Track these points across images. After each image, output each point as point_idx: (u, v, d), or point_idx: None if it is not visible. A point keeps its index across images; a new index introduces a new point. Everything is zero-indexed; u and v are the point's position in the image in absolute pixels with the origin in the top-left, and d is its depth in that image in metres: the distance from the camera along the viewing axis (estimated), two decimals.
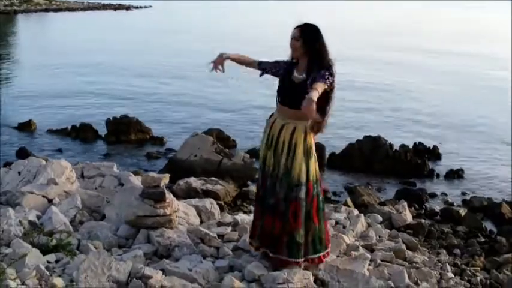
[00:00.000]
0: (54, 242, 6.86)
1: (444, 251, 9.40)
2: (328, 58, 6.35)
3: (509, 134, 19.91)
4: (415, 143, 17.68)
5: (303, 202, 6.52)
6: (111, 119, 18.84)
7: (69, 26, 68.03)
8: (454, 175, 15.75)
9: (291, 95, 6.45)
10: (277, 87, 6.67)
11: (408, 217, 10.62)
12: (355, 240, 8.31)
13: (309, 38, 6.36)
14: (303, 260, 6.66)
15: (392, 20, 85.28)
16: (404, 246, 8.36)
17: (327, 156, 16.28)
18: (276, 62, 6.74)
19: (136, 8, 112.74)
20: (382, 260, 7.59)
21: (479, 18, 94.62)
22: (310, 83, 6.23)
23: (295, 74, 6.48)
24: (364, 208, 11.63)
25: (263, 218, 6.71)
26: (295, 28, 6.42)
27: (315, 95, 5.74)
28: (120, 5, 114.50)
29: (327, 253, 6.91)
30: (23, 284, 5.89)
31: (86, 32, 57.69)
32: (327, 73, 6.22)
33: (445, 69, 35.40)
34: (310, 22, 6.47)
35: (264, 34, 52.41)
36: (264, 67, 6.77)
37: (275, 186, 6.55)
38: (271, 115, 6.74)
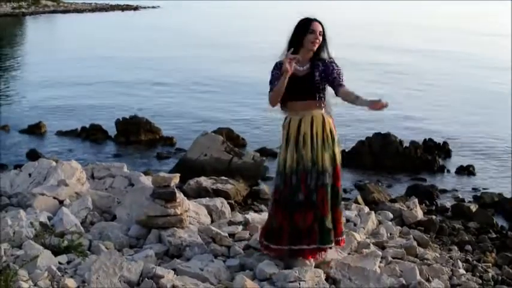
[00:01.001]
0: (65, 243, 6.89)
1: (455, 248, 9.39)
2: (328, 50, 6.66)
3: None
4: (425, 139, 17.60)
5: (328, 188, 6.64)
6: (121, 119, 18.85)
7: (77, 27, 68.22)
8: (465, 171, 15.69)
9: (298, 88, 6.55)
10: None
11: (419, 214, 10.59)
12: (366, 238, 8.32)
13: (325, 32, 6.60)
14: (333, 243, 6.83)
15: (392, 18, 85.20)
16: (415, 243, 8.35)
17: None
18: (275, 72, 6.69)
19: (144, 8, 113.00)
20: (393, 257, 7.60)
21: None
22: (320, 74, 6.57)
23: (296, 67, 6.54)
24: (374, 205, 11.59)
25: (292, 218, 6.66)
26: (314, 21, 6.55)
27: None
28: (127, 5, 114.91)
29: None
30: (35, 285, 5.92)
31: (94, 33, 57.87)
32: (337, 68, 6.63)
33: (452, 67, 35.39)
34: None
35: (265, 37, 52.29)
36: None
37: (305, 180, 6.58)
38: (286, 118, 6.76)
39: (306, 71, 6.59)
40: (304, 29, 6.52)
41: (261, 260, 6.83)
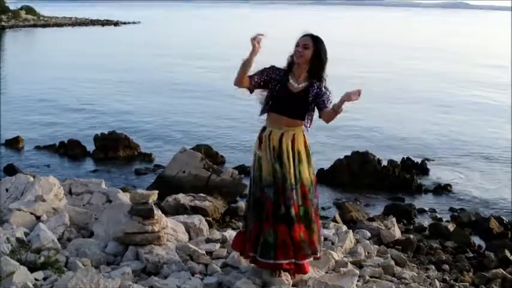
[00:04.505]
0: (42, 259, 6.83)
1: (433, 267, 9.42)
2: (325, 72, 6.60)
3: (495, 149, 20.07)
4: (403, 158, 17.69)
5: (314, 201, 6.76)
6: (99, 135, 18.83)
7: (57, 41, 68.06)
8: (442, 190, 15.78)
9: (289, 104, 6.52)
10: (269, 95, 6.61)
11: (397, 233, 10.62)
12: (344, 257, 8.31)
13: (320, 49, 6.50)
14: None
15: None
16: (393, 262, 8.35)
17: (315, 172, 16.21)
18: (264, 71, 6.61)
19: (124, 23, 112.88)
20: (371, 276, 7.60)
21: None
22: (313, 96, 6.54)
23: (292, 82, 6.55)
24: (352, 224, 11.64)
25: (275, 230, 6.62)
26: (305, 36, 6.50)
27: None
28: (108, 20, 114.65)
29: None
30: None
31: (73, 47, 57.77)
32: (328, 94, 6.60)
33: (432, 83, 35.62)
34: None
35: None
36: (255, 81, 6.57)
37: (291, 195, 6.55)
38: (263, 129, 6.68)
39: (301, 89, 6.54)
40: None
41: (238, 277, 6.81)
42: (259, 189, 6.65)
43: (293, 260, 6.69)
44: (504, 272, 9.19)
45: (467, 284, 8.76)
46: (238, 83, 6.53)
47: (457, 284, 8.54)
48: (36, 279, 6.46)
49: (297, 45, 6.48)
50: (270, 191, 6.59)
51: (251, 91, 6.67)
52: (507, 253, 10.39)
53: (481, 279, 9.01)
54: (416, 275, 8.35)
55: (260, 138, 6.68)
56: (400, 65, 46.02)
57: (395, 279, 7.84)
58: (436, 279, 8.28)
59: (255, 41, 6.31)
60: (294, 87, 6.54)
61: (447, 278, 8.82)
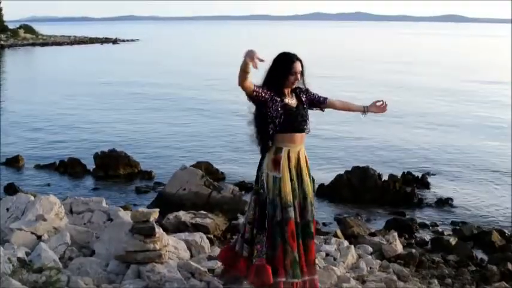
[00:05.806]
0: (43, 279, 6.81)
1: (435, 281, 9.38)
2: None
3: (495, 162, 20.05)
4: (403, 172, 17.63)
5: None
6: (99, 153, 18.79)
7: (56, 60, 68.20)
8: (444, 204, 15.72)
9: (296, 119, 6.64)
10: (279, 117, 6.56)
11: (399, 247, 10.61)
12: (346, 272, 8.31)
13: (303, 68, 6.76)
14: None
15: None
16: (395, 277, 8.36)
17: (316, 187, 16.18)
18: (264, 87, 6.59)
19: (123, 41, 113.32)
20: None
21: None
22: (308, 103, 6.88)
23: (288, 101, 6.66)
24: (354, 239, 11.60)
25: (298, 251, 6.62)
26: (295, 62, 6.62)
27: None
28: (107, 38, 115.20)
29: None
30: None
31: (71, 65, 57.93)
32: (310, 90, 6.96)
33: (430, 98, 35.65)
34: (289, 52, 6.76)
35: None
36: (258, 92, 6.46)
37: (310, 211, 6.68)
38: (277, 150, 6.63)
39: (295, 105, 6.70)
40: (286, 69, 6.57)
41: None
42: (281, 210, 6.56)
43: (308, 278, 6.67)
44: (507, 285, 9.16)
45: None
46: (242, 85, 6.36)
47: None
48: None
49: (293, 74, 6.60)
50: (291, 210, 6.56)
51: (251, 98, 6.54)
52: (510, 266, 10.37)
53: None
54: None
55: (276, 161, 6.60)
56: (395, 79, 45.98)
57: None
58: None
59: (252, 60, 6.11)
60: (292, 104, 6.67)
61: None
